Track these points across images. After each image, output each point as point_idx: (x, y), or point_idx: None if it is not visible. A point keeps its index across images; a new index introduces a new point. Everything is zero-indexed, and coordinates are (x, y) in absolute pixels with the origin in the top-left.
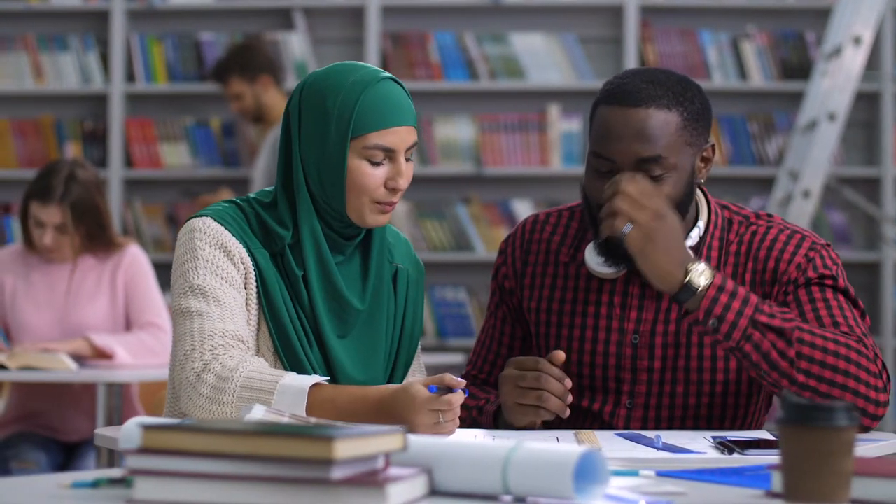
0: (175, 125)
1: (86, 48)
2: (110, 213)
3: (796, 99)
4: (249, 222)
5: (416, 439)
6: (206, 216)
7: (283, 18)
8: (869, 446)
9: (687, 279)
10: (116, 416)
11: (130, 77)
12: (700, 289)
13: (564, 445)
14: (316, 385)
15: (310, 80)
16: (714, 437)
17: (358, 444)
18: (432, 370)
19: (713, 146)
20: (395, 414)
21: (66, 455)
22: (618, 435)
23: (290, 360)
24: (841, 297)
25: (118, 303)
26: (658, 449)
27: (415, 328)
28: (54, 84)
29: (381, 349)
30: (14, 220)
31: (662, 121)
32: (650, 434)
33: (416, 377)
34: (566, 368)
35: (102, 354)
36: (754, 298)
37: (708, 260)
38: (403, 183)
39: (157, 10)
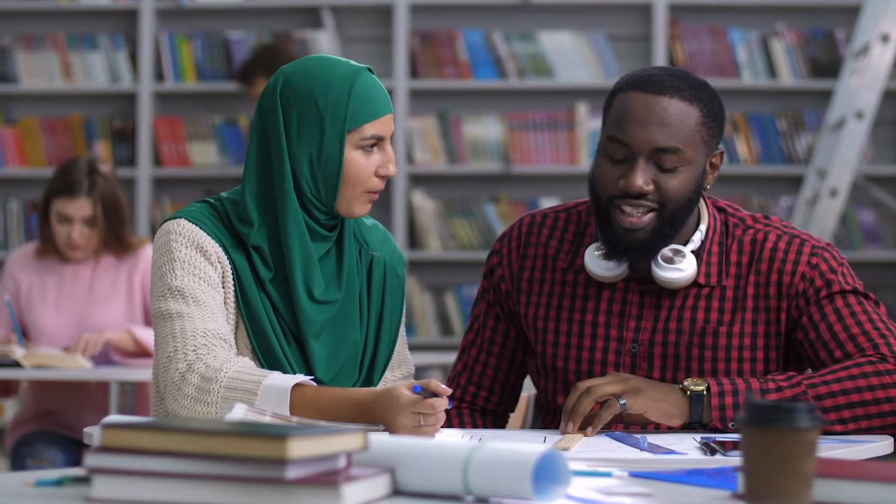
0: (203, 124)
1: (115, 47)
2: (128, 208)
3: (826, 97)
4: (223, 222)
5: (378, 439)
6: (181, 218)
7: (312, 17)
8: (862, 447)
9: (688, 393)
10: (129, 414)
11: (159, 76)
12: (704, 389)
13: (526, 446)
14: (299, 385)
15: (287, 78)
16: (702, 438)
17: (314, 444)
18: None
19: (722, 153)
20: (376, 415)
21: (82, 453)
22: (606, 435)
23: (267, 358)
24: (851, 300)
25: (135, 304)
26: (642, 449)
27: (394, 319)
28: (83, 83)
29: (351, 339)
30: None
31: (684, 112)
32: (637, 434)
33: (400, 370)
34: (564, 377)
35: (142, 349)
36: (755, 383)
37: (709, 266)
38: (394, 168)
39: (185, 9)
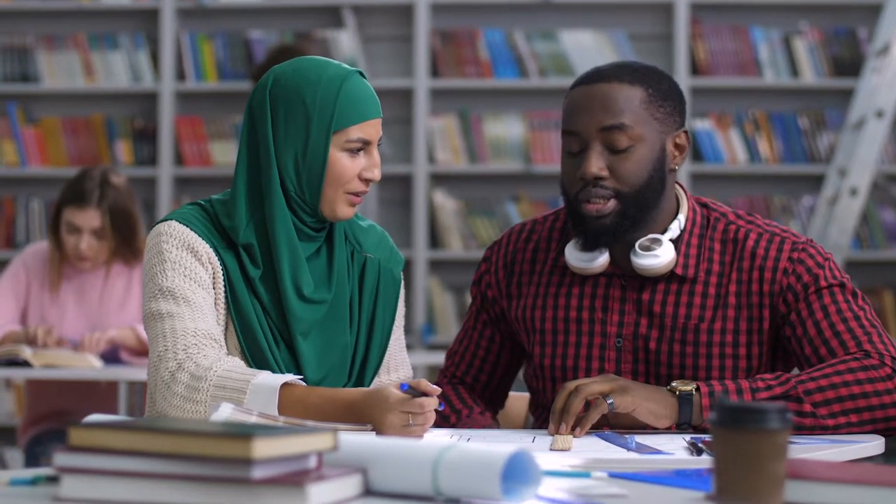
0: (225, 123)
1: (136, 47)
2: (140, 219)
3: (848, 96)
4: (214, 223)
5: (349, 438)
6: (172, 220)
7: (333, 16)
8: (853, 447)
9: (678, 393)
10: (138, 414)
11: (180, 75)
12: (693, 390)
13: (496, 446)
14: (288, 385)
15: (278, 76)
16: (692, 438)
17: (281, 444)
18: None
19: (686, 132)
20: (365, 415)
21: None
22: (595, 435)
23: (256, 359)
24: (839, 296)
25: None
26: (629, 449)
27: (387, 321)
28: (105, 82)
29: (341, 341)
30: None
31: (626, 94)
32: (626, 434)
33: (397, 374)
34: (552, 374)
35: (145, 346)
36: (745, 384)
37: (687, 257)
38: (378, 173)
39: (206, 9)
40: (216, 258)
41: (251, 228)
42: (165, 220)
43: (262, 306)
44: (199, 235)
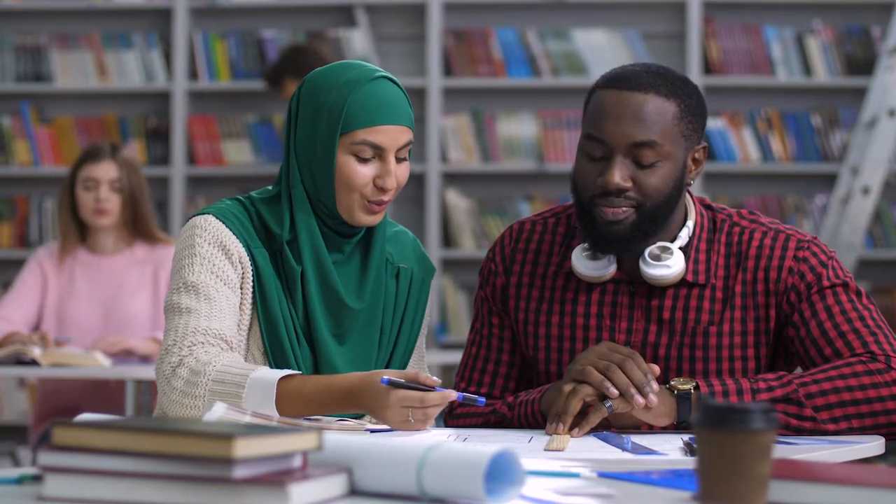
0: (237, 122)
1: (149, 46)
2: (149, 197)
3: (861, 94)
4: (252, 220)
5: (334, 438)
6: (209, 214)
7: (346, 15)
8: (853, 448)
9: (676, 392)
10: (145, 413)
11: (193, 75)
12: (691, 388)
13: (480, 446)
14: (286, 377)
15: (308, 78)
16: (690, 438)
17: (263, 443)
18: None
19: (705, 148)
20: (363, 404)
21: None
22: (593, 435)
23: (278, 360)
24: (842, 296)
25: (160, 300)
26: (625, 450)
27: (413, 329)
28: (118, 82)
29: (375, 351)
30: None
31: (660, 107)
32: (623, 435)
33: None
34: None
35: None
36: (745, 384)
37: (696, 263)
38: (391, 182)
39: (219, 8)
40: (247, 258)
41: (292, 230)
42: (203, 213)
43: (293, 306)
44: (234, 233)
